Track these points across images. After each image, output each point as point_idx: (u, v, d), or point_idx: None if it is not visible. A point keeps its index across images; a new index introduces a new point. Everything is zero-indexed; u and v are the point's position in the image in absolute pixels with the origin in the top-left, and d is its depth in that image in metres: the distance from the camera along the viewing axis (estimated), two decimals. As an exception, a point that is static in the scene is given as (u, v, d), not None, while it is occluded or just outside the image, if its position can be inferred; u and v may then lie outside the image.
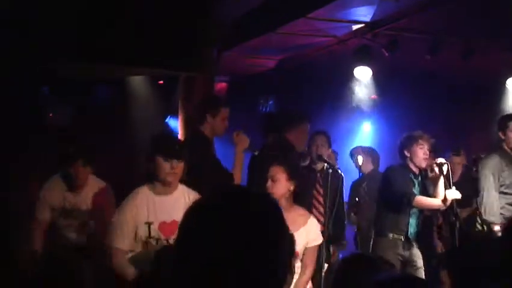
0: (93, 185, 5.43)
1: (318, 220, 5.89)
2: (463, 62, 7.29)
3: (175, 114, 7.98)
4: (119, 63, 6.76)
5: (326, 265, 5.35)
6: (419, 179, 5.83)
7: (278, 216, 1.55)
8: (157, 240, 4.09)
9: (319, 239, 4.61)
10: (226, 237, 1.45)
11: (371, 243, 5.96)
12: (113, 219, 4.16)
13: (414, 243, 5.75)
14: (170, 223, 4.08)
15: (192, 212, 1.54)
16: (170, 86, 8.14)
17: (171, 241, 4.07)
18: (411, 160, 5.78)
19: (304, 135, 5.94)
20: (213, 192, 1.58)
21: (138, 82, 8.55)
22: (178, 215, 4.01)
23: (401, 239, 5.71)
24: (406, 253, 5.70)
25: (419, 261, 5.72)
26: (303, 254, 4.53)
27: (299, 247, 4.45)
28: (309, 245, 4.52)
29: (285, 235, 1.53)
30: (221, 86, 9.03)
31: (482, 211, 5.97)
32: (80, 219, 5.39)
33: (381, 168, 7.28)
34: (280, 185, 4.44)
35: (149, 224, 4.07)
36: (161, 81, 8.55)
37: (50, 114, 8.19)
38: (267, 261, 1.47)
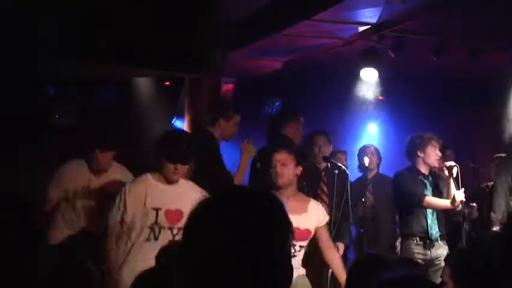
0: (117, 171, 5.60)
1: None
2: (469, 63, 7.29)
3: (181, 116, 7.99)
4: (124, 64, 6.77)
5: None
6: (430, 179, 5.89)
7: (282, 214, 1.56)
8: (160, 228, 4.24)
9: (325, 218, 4.70)
10: (230, 235, 1.47)
11: (398, 245, 6.07)
12: (116, 198, 4.30)
13: (440, 244, 5.81)
14: (174, 211, 4.26)
15: (198, 210, 1.55)
16: (176, 87, 8.14)
17: (174, 230, 4.26)
18: (424, 160, 5.86)
19: (299, 130, 6.06)
20: (219, 190, 1.60)
21: (143, 83, 8.56)
22: (182, 204, 4.23)
23: (425, 240, 5.79)
24: (432, 253, 5.77)
25: (442, 263, 5.75)
26: (316, 237, 4.63)
27: (304, 227, 4.54)
28: (320, 225, 4.63)
29: (287, 233, 1.55)
30: (227, 87, 9.04)
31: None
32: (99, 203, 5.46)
33: (382, 169, 7.29)
34: (289, 169, 4.53)
35: (157, 210, 4.24)
36: (168, 83, 8.56)
37: (56, 116, 8.20)
38: (269, 258, 1.48)
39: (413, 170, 5.92)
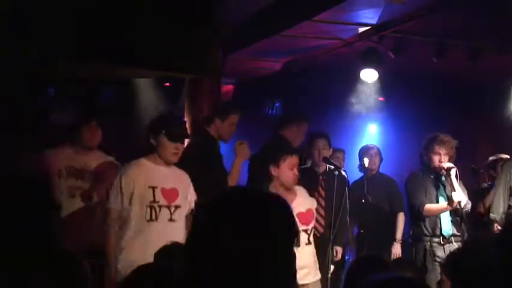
0: (100, 154, 5.37)
1: (319, 223, 5.89)
2: (469, 65, 7.29)
3: (181, 117, 7.99)
4: (124, 64, 6.77)
5: (332, 267, 5.37)
6: (443, 178, 5.91)
7: (287, 216, 1.56)
8: (160, 207, 4.29)
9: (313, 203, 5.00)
10: (234, 237, 1.47)
11: (413, 251, 5.99)
12: (114, 181, 4.37)
13: (453, 242, 5.80)
14: (170, 189, 4.34)
15: (202, 213, 1.55)
16: (176, 88, 8.14)
17: (172, 209, 4.32)
18: (428, 163, 5.90)
19: (301, 133, 6.13)
20: (224, 192, 1.60)
21: (143, 83, 8.57)
22: (176, 184, 4.38)
23: (438, 241, 5.80)
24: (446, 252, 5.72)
25: None
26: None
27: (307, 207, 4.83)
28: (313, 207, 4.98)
29: (293, 235, 1.54)
30: (227, 88, 9.04)
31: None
32: (89, 183, 5.22)
33: (382, 169, 7.28)
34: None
35: (153, 188, 4.29)
36: (168, 83, 8.56)
37: (56, 116, 8.20)
38: (273, 260, 1.49)
39: (425, 170, 6.01)
